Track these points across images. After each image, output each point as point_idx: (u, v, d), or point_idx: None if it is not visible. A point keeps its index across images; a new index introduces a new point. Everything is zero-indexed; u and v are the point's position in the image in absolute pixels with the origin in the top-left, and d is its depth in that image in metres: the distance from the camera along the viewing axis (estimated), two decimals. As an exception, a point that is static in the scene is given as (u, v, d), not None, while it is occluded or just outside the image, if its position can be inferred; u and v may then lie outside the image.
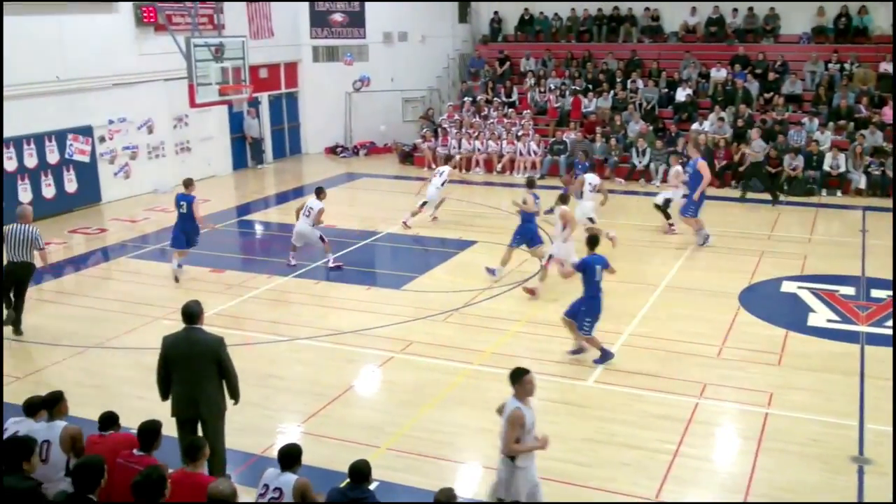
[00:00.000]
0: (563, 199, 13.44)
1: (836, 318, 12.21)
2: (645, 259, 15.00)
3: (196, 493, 5.79)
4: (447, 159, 22.41)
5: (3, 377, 9.55)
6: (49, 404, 6.81)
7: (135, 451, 6.30)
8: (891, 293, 12.93)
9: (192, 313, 7.48)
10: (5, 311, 11.70)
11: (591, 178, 16.44)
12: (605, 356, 10.58)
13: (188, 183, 14.33)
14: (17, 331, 11.75)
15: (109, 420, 6.79)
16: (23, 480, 5.67)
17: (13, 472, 5.69)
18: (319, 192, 14.89)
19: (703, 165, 15.84)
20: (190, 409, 7.42)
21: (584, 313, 10.44)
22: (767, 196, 19.59)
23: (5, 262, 11.59)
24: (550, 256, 13.17)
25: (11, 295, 11.75)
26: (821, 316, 12.30)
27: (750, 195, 19.87)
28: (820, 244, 16.15)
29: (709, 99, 23.61)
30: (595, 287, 10.41)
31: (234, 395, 7.62)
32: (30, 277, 11.86)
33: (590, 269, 10.37)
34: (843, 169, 20.25)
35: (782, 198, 19.52)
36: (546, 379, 10.20)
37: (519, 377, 6.77)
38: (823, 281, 13.74)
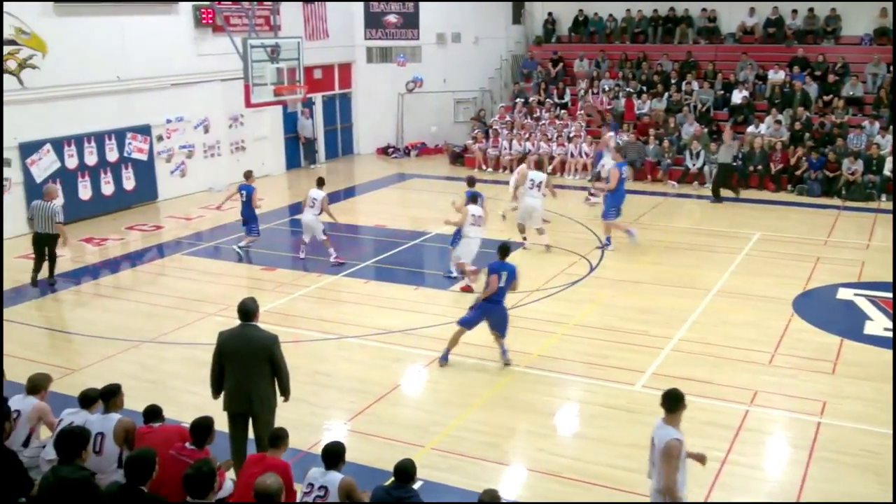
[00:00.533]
0: (473, 199, 13.72)
1: (893, 326, 11.87)
2: (697, 263, 14.78)
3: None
4: (521, 159, 21.00)
5: (21, 362, 9.85)
6: (105, 397, 6.97)
7: (187, 444, 6.44)
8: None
9: (248, 310, 7.58)
10: (38, 275, 13.89)
11: (535, 175, 15.92)
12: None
13: (248, 174, 15.87)
14: (52, 279, 14.00)
15: (153, 413, 6.95)
16: (77, 471, 5.80)
17: (67, 462, 5.83)
18: (321, 182, 15.31)
19: (614, 173, 15.42)
20: (243, 404, 7.54)
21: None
22: (819, 200, 19.20)
23: (33, 233, 13.86)
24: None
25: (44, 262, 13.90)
26: (878, 324, 11.98)
27: (804, 198, 19.45)
28: (878, 251, 15.72)
29: (766, 101, 23.17)
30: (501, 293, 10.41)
31: (285, 393, 7.71)
32: (54, 246, 13.79)
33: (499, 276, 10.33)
34: (900, 173, 19.70)
35: (841, 203, 19.08)
36: (594, 383, 10.15)
37: (678, 401, 6.10)
38: (881, 288, 13.38)
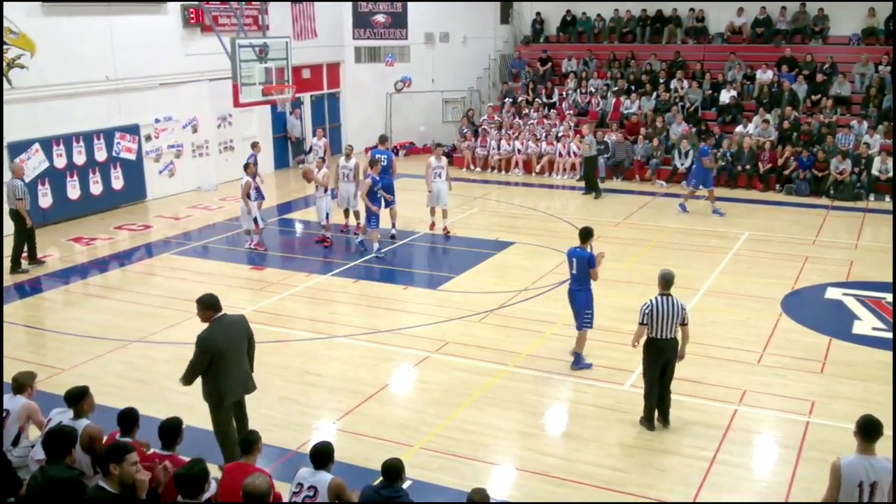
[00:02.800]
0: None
1: (882, 326, 11.94)
2: (685, 263, 14.81)
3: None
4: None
5: (9, 362, 9.80)
6: (73, 401, 6.72)
7: (156, 450, 6.37)
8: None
9: (216, 302, 7.73)
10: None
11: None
12: None
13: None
14: (31, 262, 14.73)
15: (129, 419, 6.60)
16: (65, 470, 5.76)
17: (55, 461, 5.79)
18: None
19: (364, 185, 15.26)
20: (246, 387, 7.89)
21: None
22: (808, 200, 19.30)
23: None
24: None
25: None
26: (866, 324, 12.04)
27: (792, 198, 19.56)
28: (867, 250, 15.81)
29: (754, 101, 23.27)
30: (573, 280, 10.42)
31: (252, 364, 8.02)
32: (21, 223, 14.39)
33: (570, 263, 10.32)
34: (892, 173, 19.80)
35: (829, 202, 19.18)
36: (582, 383, 10.17)
37: (879, 428, 5.79)
38: (870, 288, 13.46)
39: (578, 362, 10.50)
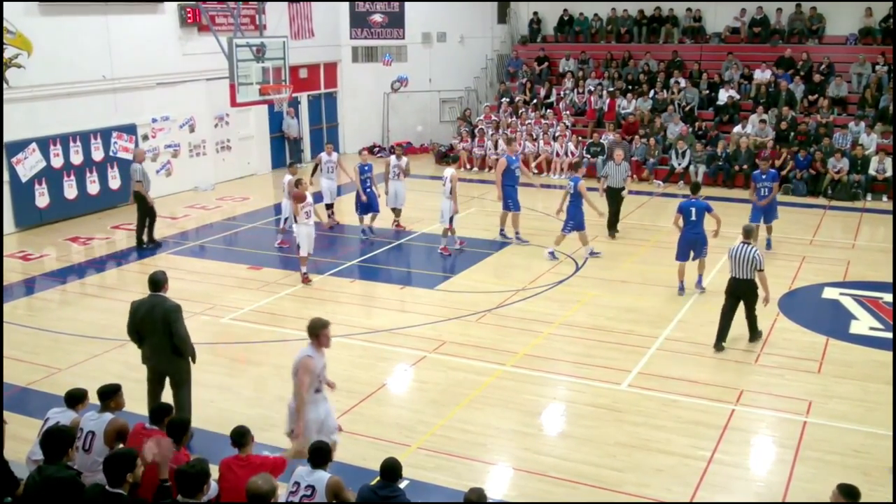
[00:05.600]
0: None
1: (879, 325, 11.95)
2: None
3: (254, 471, 5.96)
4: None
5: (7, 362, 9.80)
6: (103, 396, 6.88)
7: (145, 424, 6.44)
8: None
9: (158, 281, 8.38)
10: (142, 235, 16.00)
11: (392, 160, 16.81)
12: None
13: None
14: (149, 241, 16.03)
15: (161, 412, 6.75)
16: (62, 470, 5.76)
17: (52, 461, 5.79)
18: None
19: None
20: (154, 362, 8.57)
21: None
22: (805, 200, 19.31)
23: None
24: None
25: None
26: (863, 323, 12.06)
27: (789, 198, 19.57)
28: (864, 250, 15.84)
29: (751, 101, 23.29)
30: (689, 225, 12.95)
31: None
32: (139, 204, 15.79)
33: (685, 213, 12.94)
34: (889, 173, 19.84)
35: (826, 202, 19.20)
36: (580, 382, 10.17)
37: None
38: (867, 288, 13.47)
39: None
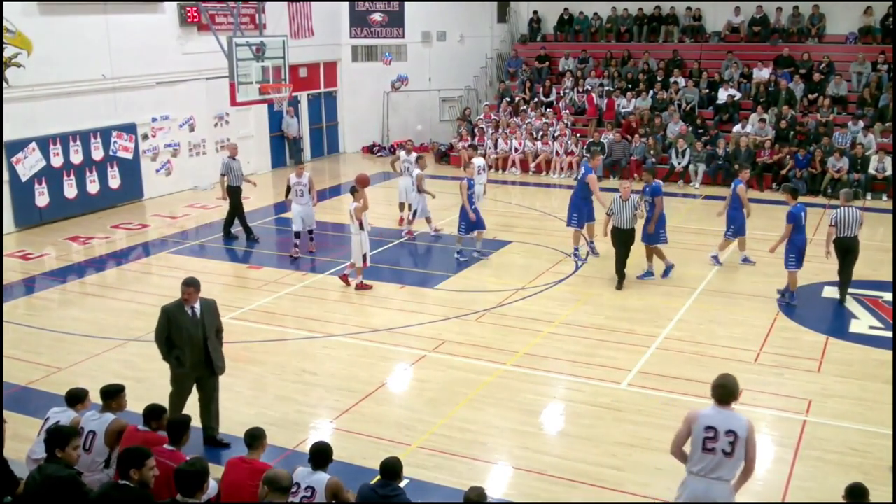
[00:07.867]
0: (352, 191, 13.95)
1: (879, 324, 11.96)
2: (682, 262, 14.79)
3: (255, 478, 5.98)
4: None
5: (7, 361, 9.78)
6: (106, 395, 6.90)
7: (165, 445, 6.39)
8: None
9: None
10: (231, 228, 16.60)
11: (403, 156, 16.86)
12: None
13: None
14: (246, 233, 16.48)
15: (154, 413, 6.77)
16: (63, 469, 5.77)
17: (52, 460, 5.81)
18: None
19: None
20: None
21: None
22: (805, 199, 19.25)
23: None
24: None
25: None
26: (863, 322, 12.06)
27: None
28: (864, 249, 15.70)
29: (751, 100, 23.29)
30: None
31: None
32: (233, 197, 16.24)
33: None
34: (888, 172, 19.84)
35: (826, 201, 19.17)
36: (579, 381, 10.17)
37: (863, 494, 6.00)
38: (867, 287, 13.47)
39: None
